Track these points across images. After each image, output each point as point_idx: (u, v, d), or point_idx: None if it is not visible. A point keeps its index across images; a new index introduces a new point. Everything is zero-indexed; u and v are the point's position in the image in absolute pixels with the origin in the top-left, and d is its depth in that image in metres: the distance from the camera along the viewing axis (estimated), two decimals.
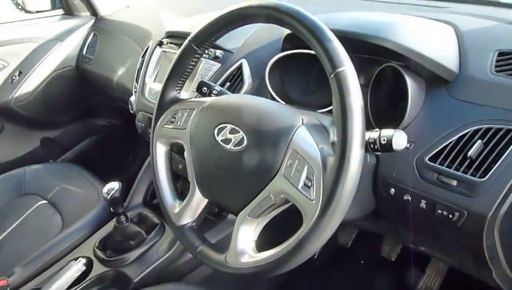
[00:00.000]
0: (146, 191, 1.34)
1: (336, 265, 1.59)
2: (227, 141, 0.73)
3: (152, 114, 0.89)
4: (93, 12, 1.94)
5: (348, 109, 0.58)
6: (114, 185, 1.05)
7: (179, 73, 0.85)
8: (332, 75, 0.60)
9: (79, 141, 2.07)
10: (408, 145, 0.79)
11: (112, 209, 1.08)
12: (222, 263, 0.72)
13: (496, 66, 0.80)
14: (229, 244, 0.72)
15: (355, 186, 0.59)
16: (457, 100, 0.80)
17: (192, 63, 0.84)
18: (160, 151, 0.88)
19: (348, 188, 0.58)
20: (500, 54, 0.82)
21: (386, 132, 0.64)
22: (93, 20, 1.94)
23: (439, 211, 0.76)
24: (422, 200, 0.78)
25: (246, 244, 0.71)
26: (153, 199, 1.35)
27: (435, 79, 0.83)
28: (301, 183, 0.63)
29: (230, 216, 1.18)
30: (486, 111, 0.75)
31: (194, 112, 0.81)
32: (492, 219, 0.72)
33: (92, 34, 1.90)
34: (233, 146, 0.72)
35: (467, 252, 0.86)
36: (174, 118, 0.84)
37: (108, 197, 1.04)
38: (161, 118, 0.87)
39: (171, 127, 0.85)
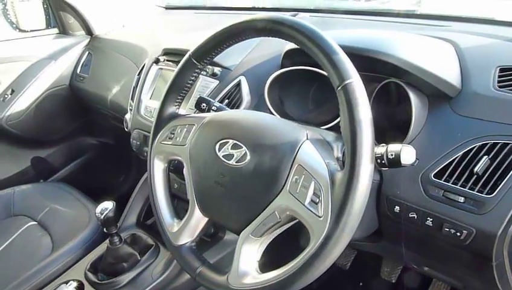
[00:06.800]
0: (140, 211, 1.31)
1: (334, 288, 1.55)
2: (229, 156, 0.71)
3: (148, 132, 0.87)
4: (88, 31, 1.93)
5: (357, 122, 0.57)
6: (108, 205, 1.02)
7: (178, 88, 0.83)
8: (339, 88, 0.59)
9: (70, 160, 2.03)
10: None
11: (105, 229, 1.04)
12: (224, 285, 0.69)
13: (499, 82, 0.80)
14: (231, 265, 0.69)
15: (365, 203, 0.57)
16: (461, 116, 0.79)
17: (192, 78, 0.83)
18: (158, 168, 0.86)
19: (358, 204, 0.56)
20: (502, 70, 0.82)
21: (394, 147, 0.63)
22: (88, 39, 1.94)
23: (446, 229, 0.74)
24: (428, 218, 0.76)
25: (248, 264, 0.68)
26: (147, 219, 1.31)
27: (437, 95, 0.82)
28: (308, 200, 0.61)
29: (227, 237, 1.15)
30: (491, 126, 0.75)
31: (194, 127, 0.79)
32: (502, 237, 0.70)
33: (87, 52, 1.89)
34: (236, 162, 0.70)
35: (473, 272, 0.84)
36: (173, 134, 0.82)
37: (102, 217, 1.01)
38: (159, 134, 0.85)
39: (170, 143, 0.82)
